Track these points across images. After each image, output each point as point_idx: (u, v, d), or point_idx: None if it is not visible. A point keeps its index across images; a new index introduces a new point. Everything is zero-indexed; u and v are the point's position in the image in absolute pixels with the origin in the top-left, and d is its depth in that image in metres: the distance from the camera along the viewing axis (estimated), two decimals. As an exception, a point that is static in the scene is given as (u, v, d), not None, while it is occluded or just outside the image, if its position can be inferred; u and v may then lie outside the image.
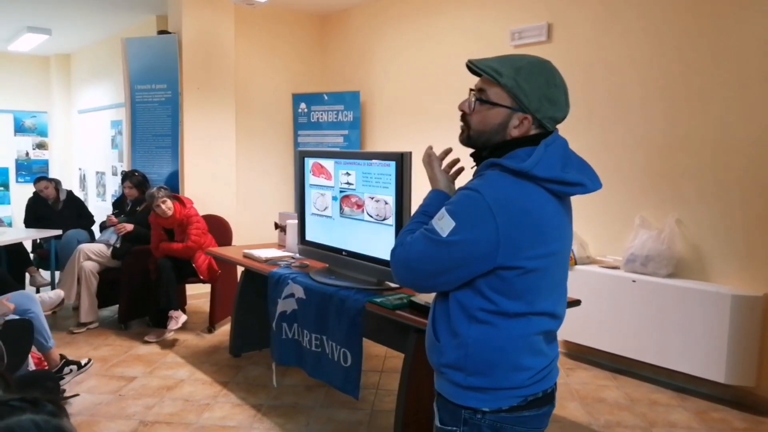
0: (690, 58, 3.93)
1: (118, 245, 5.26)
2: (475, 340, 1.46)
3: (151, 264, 5.04)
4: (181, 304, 5.23)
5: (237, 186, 6.14)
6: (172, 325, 4.75)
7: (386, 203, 3.20)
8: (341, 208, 3.48)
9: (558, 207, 1.47)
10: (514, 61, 1.48)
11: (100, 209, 7.28)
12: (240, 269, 4.59)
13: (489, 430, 1.48)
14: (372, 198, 3.27)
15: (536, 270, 1.42)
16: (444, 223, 1.41)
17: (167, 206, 4.88)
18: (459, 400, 1.50)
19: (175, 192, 5.70)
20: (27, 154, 9.46)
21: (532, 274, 1.42)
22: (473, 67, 1.52)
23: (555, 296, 1.52)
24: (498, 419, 1.47)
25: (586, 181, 1.47)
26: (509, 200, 1.39)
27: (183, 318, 4.84)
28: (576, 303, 3.19)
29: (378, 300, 3.04)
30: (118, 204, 5.74)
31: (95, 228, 6.12)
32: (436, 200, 1.59)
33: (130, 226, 5.24)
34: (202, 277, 5.00)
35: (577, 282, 4.13)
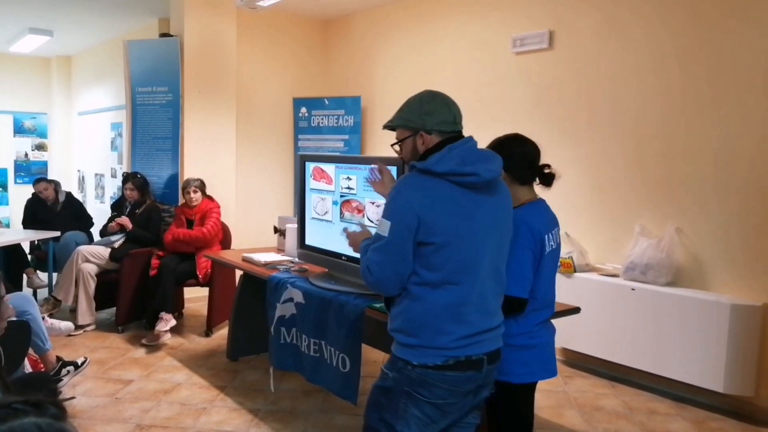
0: (690, 67, 3.94)
1: (117, 246, 5.25)
2: (410, 308, 1.87)
3: (155, 259, 5.05)
4: (176, 307, 5.22)
5: (237, 189, 6.13)
6: (161, 326, 4.74)
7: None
8: (341, 213, 3.47)
9: (467, 194, 1.84)
10: (403, 105, 2.01)
11: (99, 211, 7.26)
12: (239, 273, 4.59)
13: (414, 379, 1.84)
14: (373, 203, 3.26)
15: (446, 245, 1.80)
16: (383, 227, 1.84)
17: (196, 196, 5.16)
18: (398, 353, 1.91)
19: (175, 194, 5.71)
20: (26, 155, 9.45)
21: (445, 249, 1.81)
22: (388, 126, 2.04)
23: (478, 274, 1.86)
24: (424, 373, 1.83)
25: (480, 170, 1.83)
26: (419, 190, 1.82)
27: (172, 322, 4.84)
28: (575, 311, 3.18)
29: (377, 305, 3.03)
30: (117, 206, 5.73)
31: (94, 230, 6.10)
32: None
33: (130, 224, 5.27)
34: (200, 275, 5.01)
35: (576, 290, 4.14)
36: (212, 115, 5.94)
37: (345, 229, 2.12)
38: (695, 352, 3.70)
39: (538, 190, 2.35)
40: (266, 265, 3.96)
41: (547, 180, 2.28)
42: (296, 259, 4.00)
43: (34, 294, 5.73)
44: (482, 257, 1.86)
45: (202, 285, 5.13)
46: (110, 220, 5.56)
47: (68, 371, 3.83)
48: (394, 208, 1.82)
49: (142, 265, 5.17)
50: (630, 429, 3.52)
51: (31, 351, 3.61)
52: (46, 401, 0.80)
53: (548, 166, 2.28)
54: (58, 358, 3.85)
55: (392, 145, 1.99)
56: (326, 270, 3.68)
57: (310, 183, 3.72)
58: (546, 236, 2.22)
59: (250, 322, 4.42)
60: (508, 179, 2.24)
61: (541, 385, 2.39)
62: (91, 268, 5.12)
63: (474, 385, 1.89)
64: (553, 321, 2.43)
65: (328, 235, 3.58)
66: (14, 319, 3.45)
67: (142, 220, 5.39)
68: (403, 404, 1.86)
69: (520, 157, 2.25)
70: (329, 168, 3.55)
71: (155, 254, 5.12)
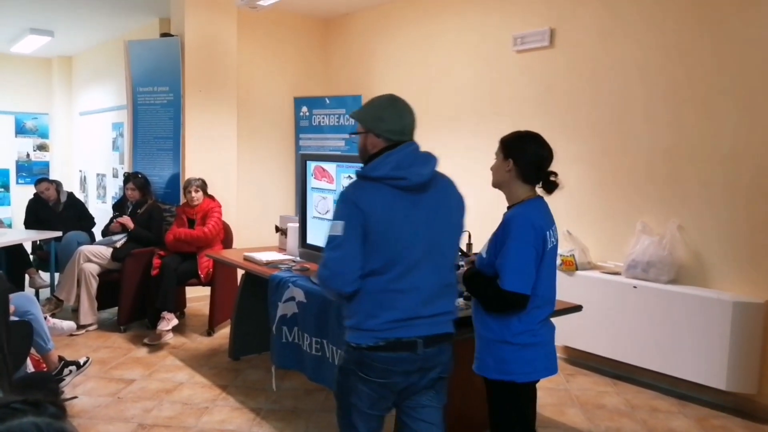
0: (694, 63, 3.93)
1: (118, 246, 5.26)
2: (354, 296, 2.05)
3: (156, 259, 5.05)
4: (178, 306, 5.23)
5: (238, 189, 6.13)
6: (163, 325, 4.75)
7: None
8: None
9: (402, 195, 2.01)
10: (368, 101, 2.21)
11: (101, 211, 7.26)
12: (240, 272, 4.59)
13: (356, 359, 2.04)
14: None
15: (378, 241, 1.97)
16: (336, 227, 1.99)
17: (197, 195, 5.16)
18: (345, 336, 2.12)
19: (176, 194, 5.72)
20: (28, 155, 9.45)
21: (376, 244, 1.98)
22: (352, 116, 2.23)
23: (410, 266, 2.00)
24: (362, 353, 2.03)
25: (409, 175, 2.00)
26: (361, 193, 2.01)
27: (174, 322, 4.85)
28: (577, 308, 3.18)
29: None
30: (119, 206, 5.73)
31: (96, 230, 6.11)
32: None
33: (131, 224, 5.28)
34: (201, 275, 5.01)
35: (578, 288, 4.13)
36: (213, 115, 5.94)
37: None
38: (697, 349, 3.70)
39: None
40: (268, 264, 3.96)
41: (550, 187, 2.27)
42: (298, 258, 3.99)
43: (36, 294, 5.73)
44: (414, 251, 2.02)
45: (203, 284, 5.14)
46: (112, 220, 5.58)
47: (70, 371, 3.83)
48: (346, 210, 2.00)
49: (144, 264, 5.17)
50: (632, 427, 3.51)
51: (33, 351, 3.61)
52: (45, 401, 0.80)
53: (555, 174, 2.27)
54: (60, 358, 3.85)
55: (350, 134, 2.26)
56: (328, 269, 3.67)
57: (312, 182, 3.72)
58: (547, 232, 2.22)
59: (251, 322, 4.42)
60: (513, 173, 2.24)
61: (543, 383, 2.39)
62: (93, 268, 5.13)
63: (414, 366, 2.04)
64: (556, 319, 2.42)
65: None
66: (16, 319, 3.46)
67: (144, 220, 5.40)
68: (353, 381, 2.07)
69: (532, 156, 2.25)
70: (330, 167, 3.55)
71: (157, 254, 5.12)
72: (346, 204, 2.01)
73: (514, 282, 2.12)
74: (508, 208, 2.30)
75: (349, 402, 2.09)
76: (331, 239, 2.01)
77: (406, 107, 2.11)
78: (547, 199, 2.32)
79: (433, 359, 2.07)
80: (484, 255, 2.28)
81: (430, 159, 2.07)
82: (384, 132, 2.07)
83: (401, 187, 2.00)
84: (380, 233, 1.97)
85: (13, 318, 3.44)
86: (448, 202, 2.12)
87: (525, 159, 2.24)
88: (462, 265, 2.61)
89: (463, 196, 2.18)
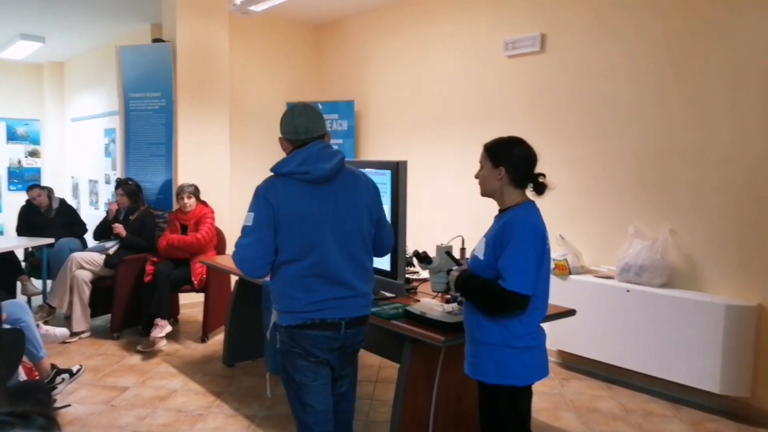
0: (684, 67, 3.96)
1: (111, 252, 5.24)
2: (275, 282, 2.33)
3: (149, 266, 5.03)
4: (171, 313, 5.21)
5: (231, 194, 6.12)
6: (157, 332, 4.73)
7: (381, 213, 3.19)
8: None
9: (308, 188, 2.26)
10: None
11: (93, 217, 7.22)
12: (234, 278, 4.58)
13: (290, 338, 2.30)
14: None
15: (291, 230, 2.23)
16: (248, 219, 2.27)
17: (190, 201, 5.15)
18: (275, 319, 2.38)
19: (169, 200, 5.70)
20: (19, 162, 9.41)
21: (290, 233, 2.24)
22: None
23: (321, 251, 2.25)
24: (291, 333, 2.29)
25: (312, 169, 2.25)
26: (271, 188, 2.26)
27: (168, 328, 4.82)
28: (571, 313, 3.19)
29: (373, 310, 3.02)
30: (109, 211, 5.70)
31: (88, 236, 6.08)
32: None
33: (124, 232, 5.27)
34: (195, 281, 4.99)
35: (571, 291, 4.14)
36: (206, 121, 5.93)
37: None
38: (691, 353, 3.71)
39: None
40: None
41: (541, 188, 2.28)
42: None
43: (29, 301, 5.69)
44: (324, 238, 2.26)
45: (197, 291, 5.12)
46: (105, 222, 5.55)
47: (63, 379, 3.81)
48: (256, 203, 2.27)
49: (137, 271, 5.15)
50: (626, 431, 3.52)
51: (25, 359, 3.59)
52: (33, 412, 0.79)
53: (543, 175, 2.28)
54: (53, 366, 3.83)
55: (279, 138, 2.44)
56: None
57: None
58: (545, 235, 2.23)
59: (245, 328, 4.40)
60: (505, 180, 2.25)
61: (537, 388, 2.39)
62: (85, 275, 5.10)
63: (337, 344, 2.32)
64: (550, 323, 2.43)
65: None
66: (8, 326, 3.43)
67: (136, 227, 5.37)
68: (292, 358, 2.32)
69: (521, 160, 2.26)
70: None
71: (150, 260, 5.10)
72: (257, 198, 2.27)
73: (519, 283, 2.12)
74: (501, 211, 2.30)
75: (295, 381, 2.33)
76: (243, 228, 2.29)
77: (301, 110, 2.37)
78: (540, 203, 2.32)
79: (352, 338, 2.37)
80: (481, 257, 2.27)
81: (334, 155, 2.32)
82: (284, 134, 2.37)
83: (307, 180, 2.26)
84: (290, 223, 2.23)
85: (4, 325, 3.42)
86: (354, 191, 2.36)
87: (514, 164, 2.25)
88: (453, 270, 2.61)
89: (374, 183, 2.47)
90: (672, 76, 4.02)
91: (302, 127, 2.34)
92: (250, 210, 2.27)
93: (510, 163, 2.24)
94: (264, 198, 2.25)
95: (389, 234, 2.54)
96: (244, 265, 2.30)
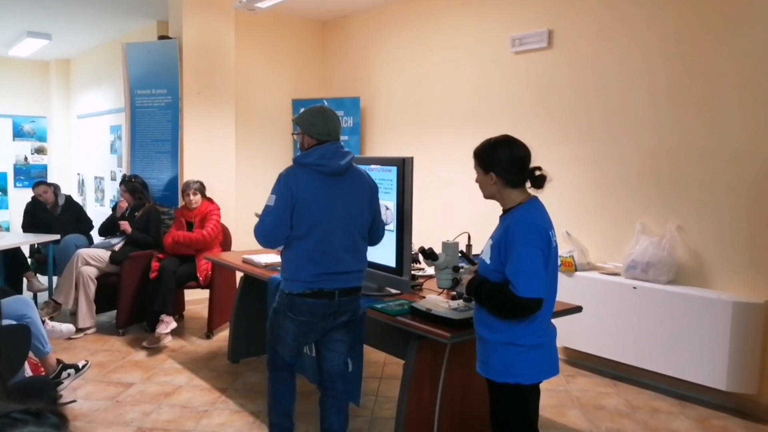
0: (694, 64, 3.93)
1: (116, 249, 5.25)
2: (287, 253, 2.77)
3: (155, 262, 5.04)
4: (176, 309, 5.22)
5: (236, 191, 6.12)
6: (162, 328, 4.73)
7: (387, 208, 3.19)
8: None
9: (324, 178, 2.69)
10: (305, 110, 2.87)
11: (99, 214, 7.24)
12: (239, 275, 4.58)
13: (287, 303, 2.73)
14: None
15: (305, 212, 2.65)
16: (270, 200, 2.67)
17: (196, 198, 5.16)
18: (280, 285, 2.83)
19: (175, 196, 5.71)
20: (25, 158, 9.44)
21: (303, 214, 2.65)
22: (294, 121, 2.95)
23: (326, 231, 2.67)
24: (292, 300, 2.71)
25: (327, 164, 2.69)
26: (292, 176, 2.70)
27: (173, 324, 4.82)
28: (577, 309, 3.18)
29: (379, 306, 3.02)
30: (117, 208, 5.72)
31: (94, 233, 6.09)
32: None
33: (129, 229, 5.27)
34: (200, 278, 5.00)
35: (577, 289, 4.13)
36: (211, 117, 5.93)
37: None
38: (697, 350, 3.69)
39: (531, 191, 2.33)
40: (266, 266, 3.95)
41: (539, 182, 2.23)
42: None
43: (35, 297, 5.71)
44: (330, 219, 2.67)
45: (202, 287, 5.12)
46: (111, 219, 5.56)
47: (69, 374, 3.82)
48: (278, 187, 2.68)
49: (143, 267, 5.16)
50: (632, 428, 3.51)
51: (31, 354, 3.60)
52: (45, 410, 0.78)
53: (539, 168, 2.24)
54: (59, 361, 3.83)
55: (293, 134, 2.81)
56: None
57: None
58: (550, 233, 2.20)
59: (250, 324, 4.41)
60: (499, 183, 2.23)
61: (543, 385, 2.38)
62: (91, 271, 5.11)
63: (330, 310, 2.73)
64: (555, 320, 2.41)
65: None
66: (14, 322, 3.44)
67: (142, 223, 5.38)
68: (282, 319, 2.77)
69: (509, 160, 2.22)
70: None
71: (155, 257, 5.11)
72: (280, 183, 2.69)
73: (529, 288, 2.09)
74: (505, 212, 2.29)
75: (277, 335, 2.81)
76: (266, 208, 2.69)
77: (333, 116, 2.80)
78: (545, 200, 2.30)
79: (345, 306, 2.76)
80: (487, 261, 2.25)
81: (346, 154, 2.76)
82: (315, 134, 2.76)
83: (323, 172, 2.69)
84: (304, 206, 2.64)
85: (10, 322, 3.42)
86: (360, 186, 2.80)
87: (504, 166, 2.21)
88: (462, 267, 2.60)
89: (375, 182, 2.89)
90: (681, 73, 3.98)
91: (334, 131, 2.78)
92: (273, 192, 2.67)
93: (499, 167, 2.20)
94: (285, 184, 2.67)
95: (382, 226, 2.94)
96: (267, 238, 2.71)
